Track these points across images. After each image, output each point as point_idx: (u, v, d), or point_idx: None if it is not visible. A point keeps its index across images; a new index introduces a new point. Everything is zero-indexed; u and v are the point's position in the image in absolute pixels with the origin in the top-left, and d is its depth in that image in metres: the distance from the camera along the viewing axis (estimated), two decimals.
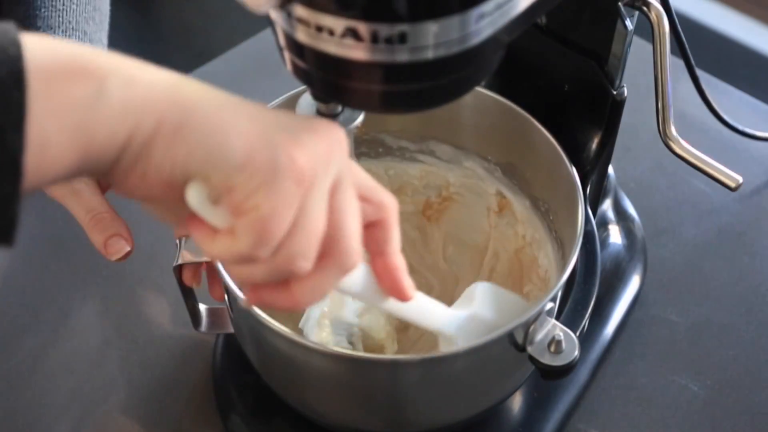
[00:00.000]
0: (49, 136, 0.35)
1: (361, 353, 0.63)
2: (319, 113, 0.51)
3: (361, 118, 0.51)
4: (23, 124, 0.34)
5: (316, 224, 0.41)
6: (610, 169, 0.77)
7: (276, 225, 0.39)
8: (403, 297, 0.50)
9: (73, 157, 0.37)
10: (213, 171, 0.38)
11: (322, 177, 0.41)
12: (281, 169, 0.39)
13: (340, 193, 0.42)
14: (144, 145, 0.38)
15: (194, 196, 0.39)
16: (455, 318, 0.58)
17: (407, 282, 0.50)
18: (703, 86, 0.77)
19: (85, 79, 0.36)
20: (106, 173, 0.39)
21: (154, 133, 0.38)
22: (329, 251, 0.42)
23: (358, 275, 0.48)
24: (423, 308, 0.55)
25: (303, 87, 0.48)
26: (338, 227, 0.42)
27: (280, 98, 0.66)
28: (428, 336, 0.75)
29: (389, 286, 0.49)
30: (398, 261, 0.49)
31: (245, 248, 0.39)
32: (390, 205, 0.47)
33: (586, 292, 0.65)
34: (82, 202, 0.64)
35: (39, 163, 0.35)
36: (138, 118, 0.37)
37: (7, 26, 0.35)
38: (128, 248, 0.64)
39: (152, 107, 0.38)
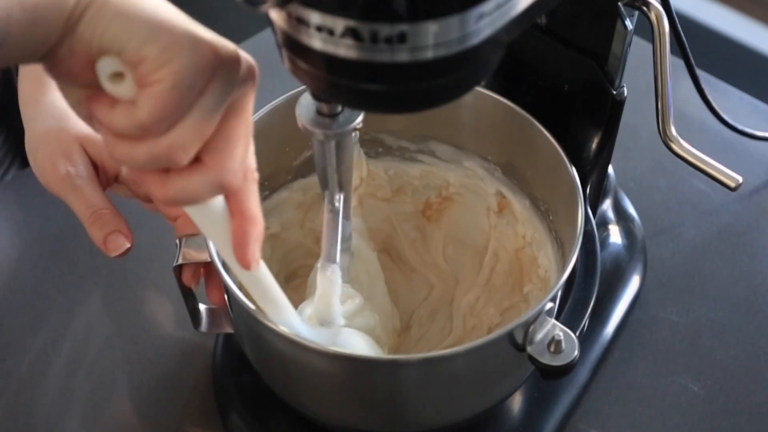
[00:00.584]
0: (11, 9, 0.38)
1: (361, 353, 0.62)
2: (319, 113, 0.51)
3: (360, 117, 0.51)
4: None
5: (208, 123, 0.43)
6: (610, 169, 0.77)
7: (177, 100, 0.42)
8: (243, 263, 0.50)
9: (27, 31, 0.39)
10: (127, 41, 0.41)
11: (231, 77, 0.43)
12: (196, 50, 0.41)
13: (242, 112, 0.45)
14: (78, 17, 0.40)
15: (103, 67, 0.42)
16: (292, 315, 0.58)
17: (252, 250, 0.50)
18: (703, 86, 0.77)
19: None
20: (47, 52, 0.41)
21: (88, 4, 0.40)
22: (209, 159, 0.45)
23: (221, 216, 0.49)
24: (262, 288, 0.56)
25: (303, 87, 0.48)
26: (227, 141, 0.45)
27: (280, 98, 0.66)
28: (430, 335, 0.76)
29: (236, 246, 0.50)
30: (252, 230, 0.50)
31: (143, 118, 0.42)
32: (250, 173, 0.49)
33: (586, 292, 0.65)
34: (82, 197, 0.64)
35: (2, 40, 0.38)
36: None
37: None
38: (128, 245, 0.64)
39: None
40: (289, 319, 0.57)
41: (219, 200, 0.49)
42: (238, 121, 0.46)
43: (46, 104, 0.67)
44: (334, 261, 0.60)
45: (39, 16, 0.40)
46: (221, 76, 0.43)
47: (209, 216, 0.49)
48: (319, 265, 0.61)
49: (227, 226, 0.50)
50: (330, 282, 0.60)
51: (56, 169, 0.64)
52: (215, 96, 0.43)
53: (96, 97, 0.43)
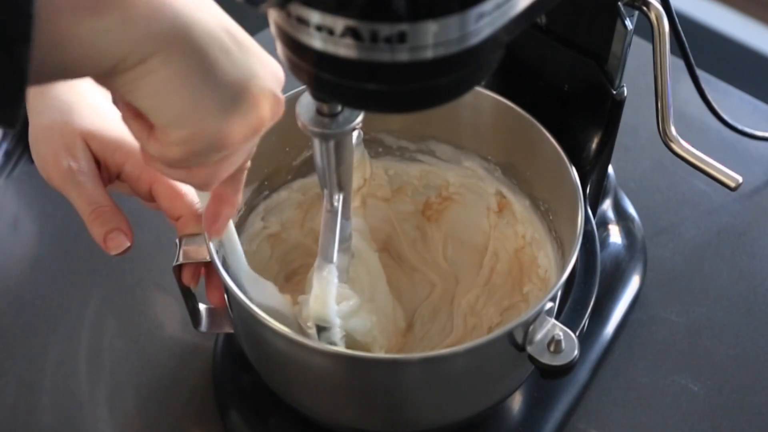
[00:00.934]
0: (51, 52, 0.40)
1: (361, 353, 0.62)
2: (319, 113, 0.51)
3: (360, 117, 0.51)
4: (31, 37, 0.38)
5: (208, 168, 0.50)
6: (610, 169, 0.77)
7: (181, 164, 0.48)
8: (209, 232, 0.59)
9: (66, 65, 0.42)
10: (155, 117, 0.45)
11: (241, 147, 0.48)
12: (218, 140, 0.46)
13: (245, 149, 0.50)
14: (118, 72, 0.43)
15: None
16: (244, 269, 0.63)
17: (220, 224, 0.58)
18: (703, 86, 0.77)
19: (96, 8, 0.41)
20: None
21: (128, 68, 0.43)
22: (196, 170, 0.50)
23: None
24: (229, 250, 0.62)
25: (303, 87, 0.48)
26: (219, 166, 0.50)
27: None
28: (431, 334, 0.75)
29: (207, 219, 0.58)
30: (225, 210, 0.58)
31: (151, 151, 0.48)
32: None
33: (585, 291, 0.65)
34: (83, 194, 0.64)
35: (38, 72, 0.40)
36: (130, 50, 0.42)
37: None
38: (128, 243, 0.64)
39: (149, 44, 0.42)
40: (240, 272, 0.63)
41: None
42: (244, 150, 0.50)
43: (52, 97, 0.67)
44: (330, 261, 0.60)
45: (73, 70, 0.42)
46: (243, 150, 0.49)
47: None
48: (316, 264, 0.61)
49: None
50: (326, 282, 0.60)
51: (58, 163, 0.64)
52: (230, 167, 0.51)
53: (132, 114, 0.47)
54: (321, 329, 0.61)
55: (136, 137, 0.48)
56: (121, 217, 0.64)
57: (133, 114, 0.47)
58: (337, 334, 0.62)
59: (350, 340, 0.64)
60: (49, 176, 0.65)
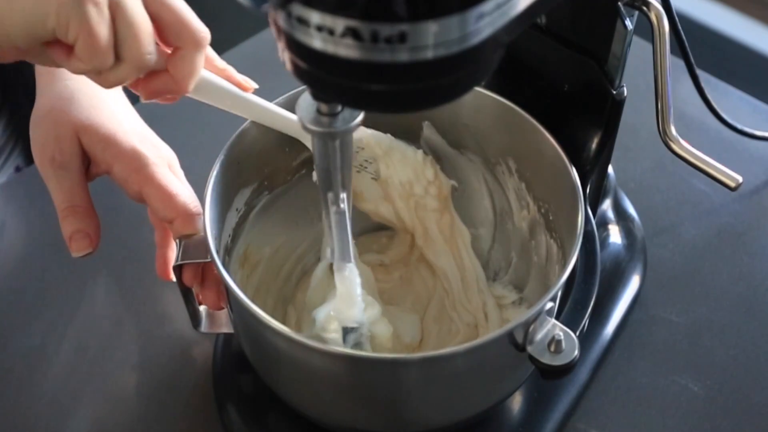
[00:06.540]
0: None
1: (360, 353, 0.62)
2: (319, 113, 0.51)
3: (360, 117, 0.51)
4: None
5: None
6: (610, 169, 0.77)
7: (96, 41, 0.50)
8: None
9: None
10: (32, 39, 0.50)
11: None
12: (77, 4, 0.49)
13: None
14: None
15: None
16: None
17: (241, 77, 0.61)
18: (703, 86, 0.77)
19: None
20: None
21: None
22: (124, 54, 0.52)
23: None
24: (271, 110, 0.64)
25: (303, 87, 0.48)
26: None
27: (280, 98, 0.66)
28: (441, 334, 0.75)
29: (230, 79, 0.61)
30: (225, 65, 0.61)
31: (87, 66, 0.51)
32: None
33: (585, 291, 0.65)
34: (61, 188, 0.64)
35: None
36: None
37: None
38: (90, 249, 0.64)
39: None
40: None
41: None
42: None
43: (60, 80, 0.67)
44: (349, 261, 0.60)
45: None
46: None
47: None
48: (335, 267, 0.60)
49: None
50: (349, 281, 0.60)
51: (45, 151, 0.64)
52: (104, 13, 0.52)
53: (53, 46, 0.52)
54: (347, 331, 0.61)
55: (64, 65, 0.52)
56: (91, 219, 0.64)
57: (56, 48, 0.51)
58: (364, 334, 0.61)
59: (373, 344, 0.64)
60: (37, 162, 0.65)
